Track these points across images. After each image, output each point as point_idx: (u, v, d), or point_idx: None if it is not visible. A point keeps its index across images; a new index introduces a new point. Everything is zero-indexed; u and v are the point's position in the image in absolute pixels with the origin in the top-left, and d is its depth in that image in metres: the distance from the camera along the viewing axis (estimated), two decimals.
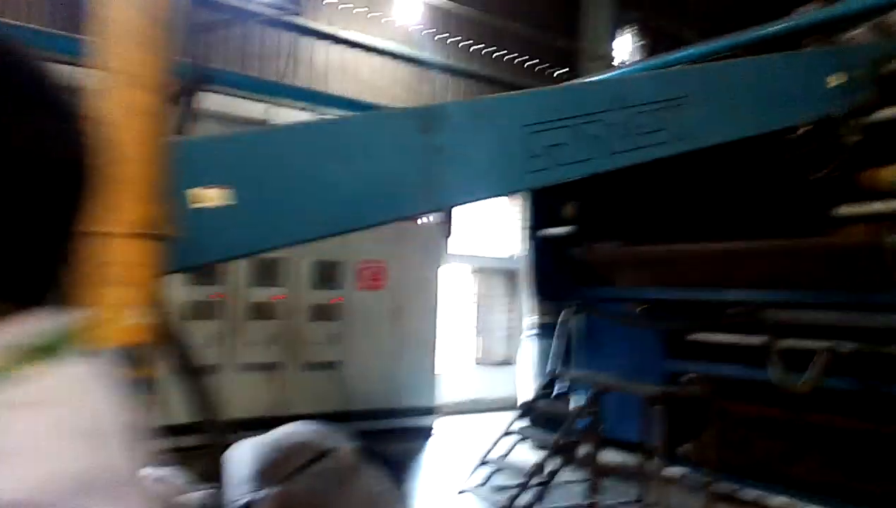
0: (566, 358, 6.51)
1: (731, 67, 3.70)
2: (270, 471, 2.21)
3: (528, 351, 8.53)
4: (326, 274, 7.75)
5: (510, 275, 10.91)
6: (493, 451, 5.84)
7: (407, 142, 2.40)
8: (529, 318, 8.55)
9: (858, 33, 4.56)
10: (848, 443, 4.29)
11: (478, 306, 10.85)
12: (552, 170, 2.73)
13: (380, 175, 2.33)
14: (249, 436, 2.89)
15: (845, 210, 4.04)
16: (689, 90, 3.19)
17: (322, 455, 2.34)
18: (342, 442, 2.66)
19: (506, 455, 5.85)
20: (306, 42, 9.11)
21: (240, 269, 7.16)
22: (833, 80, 3.72)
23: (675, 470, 5.25)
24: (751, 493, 4.86)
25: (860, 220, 3.97)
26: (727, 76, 3.51)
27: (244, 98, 7.92)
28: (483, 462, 5.79)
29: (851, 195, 4.06)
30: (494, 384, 10.32)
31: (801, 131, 3.66)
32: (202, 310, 6.93)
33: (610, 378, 5.51)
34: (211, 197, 2.00)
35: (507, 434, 5.90)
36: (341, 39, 9.30)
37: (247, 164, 2.12)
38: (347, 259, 7.88)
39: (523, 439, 5.88)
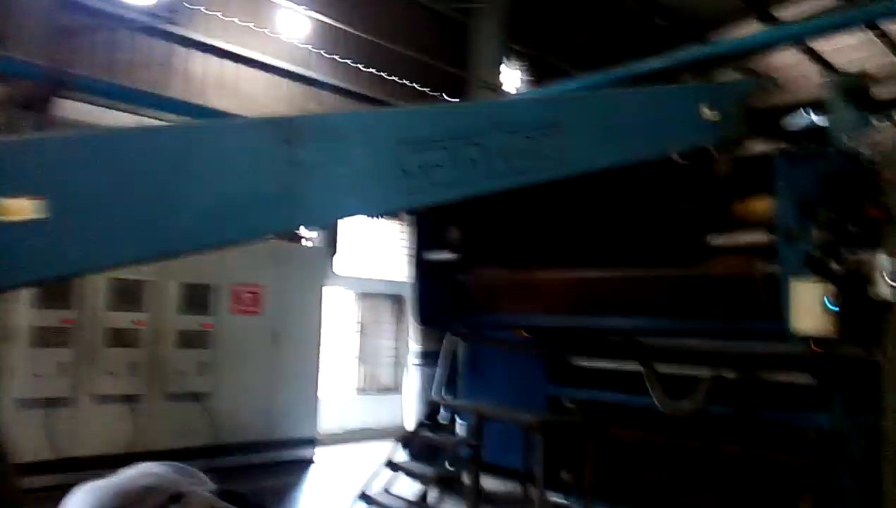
0: (451, 385, 6.40)
1: (609, 97, 3.75)
2: None
3: (413, 378, 8.37)
4: (196, 298, 7.25)
5: (397, 301, 10.74)
6: (372, 483, 5.60)
7: (266, 153, 2.15)
8: (414, 345, 8.41)
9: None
10: (729, 470, 4.40)
11: (362, 332, 10.59)
12: (426, 190, 2.57)
13: (233, 188, 2.07)
14: (97, 477, 2.52)
15: (719, 240, 4.16)
16: (567, 117, 3.16)
17: (170, 500, 2.03)
18: (197, 485, 2.35)
19: (385, 487, 5.63)
20: (182, 52, 8.62)
21: (98, 291, 6.57)
22: (704, 114, 3.85)
23: (556, 498, 5.22)
24: None
25: (734, 251, 4.10)
26: (604, 105, 3.54)
27: (112, 108, 7.38)
28: (361, 496, 5.54)
29: (726, 225, 4.19)
30: (379, 412, 10.08)
31: (676, 161, 3.75)
32: (52, 336, 6.28)
33: (492, 406, 5.43)
34: (17, 208, 1.71)
35: (386, 465, 5.69)
36: (220, 51, 8.88)
37: (68, 172, 1.82)
38: (220, 282, 7.42)
39: (404, 470, 5.69)
